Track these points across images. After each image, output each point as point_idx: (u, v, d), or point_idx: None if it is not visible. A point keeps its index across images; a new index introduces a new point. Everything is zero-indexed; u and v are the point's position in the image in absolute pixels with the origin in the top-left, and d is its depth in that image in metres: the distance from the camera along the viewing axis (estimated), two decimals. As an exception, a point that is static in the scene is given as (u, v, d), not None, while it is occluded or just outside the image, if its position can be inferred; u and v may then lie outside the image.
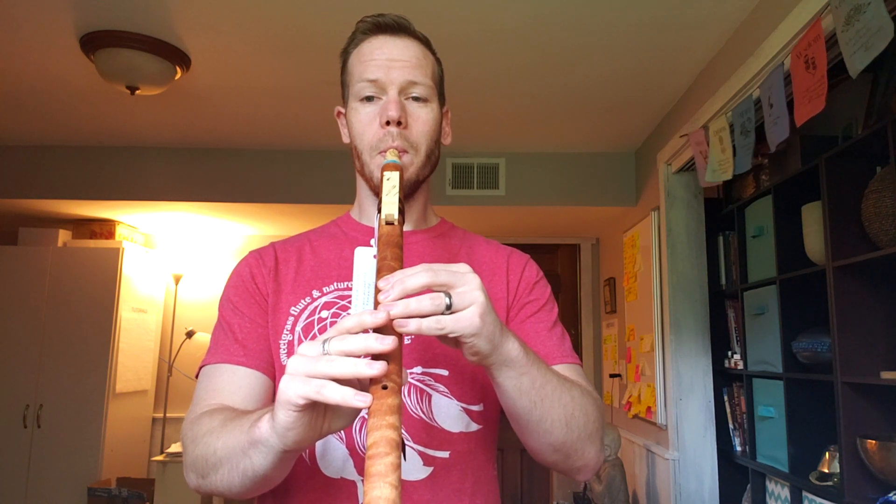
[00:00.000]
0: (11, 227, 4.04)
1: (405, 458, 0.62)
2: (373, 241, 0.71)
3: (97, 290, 3.72)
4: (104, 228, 3.98)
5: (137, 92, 2.42)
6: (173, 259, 4.24)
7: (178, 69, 2.43)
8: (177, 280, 4.17)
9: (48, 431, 3.59)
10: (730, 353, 2.72)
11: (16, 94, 2.81)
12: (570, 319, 4.35)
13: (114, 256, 3.78)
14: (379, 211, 0.72)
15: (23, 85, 2.70)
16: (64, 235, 3.91)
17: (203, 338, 4.06)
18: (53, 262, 3.76)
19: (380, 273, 0.65)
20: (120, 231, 4.01)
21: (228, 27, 2.20)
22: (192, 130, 3.25)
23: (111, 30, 2.21)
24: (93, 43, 2.25)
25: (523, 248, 1.04)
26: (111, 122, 3.15)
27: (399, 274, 0.63)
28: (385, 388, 0.57)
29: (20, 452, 3.57)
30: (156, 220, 3.98)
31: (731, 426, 2.74)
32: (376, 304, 0.62)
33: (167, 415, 4.06)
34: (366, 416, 0.79)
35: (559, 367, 0.88)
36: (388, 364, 0.58)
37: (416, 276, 0.62)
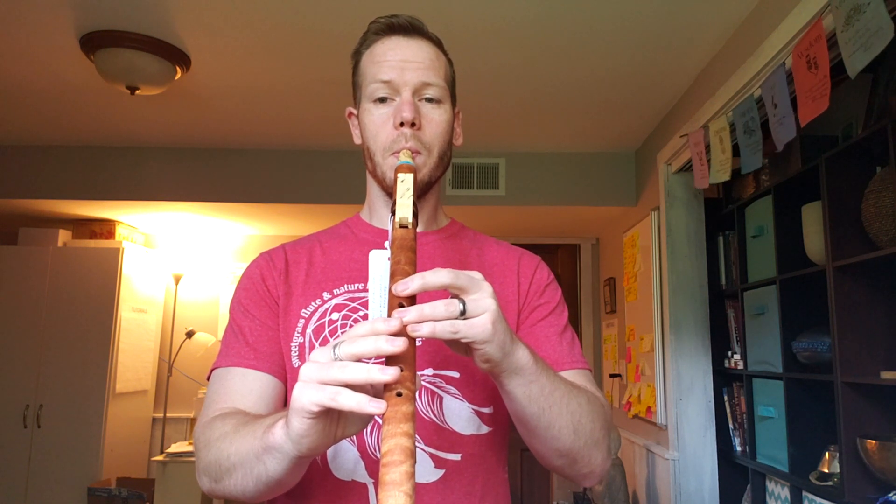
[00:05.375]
0: (11, 227, 4.04)
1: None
2: (387, 244, 0.71)
3: (97, 290, 3.72)
4: (104, 228, 3.98)
5: (137, 92, 2.42)
6: (173, 259, 4.24)
7: (178, 69, 2.43)
8: (177, 280, 4.16)
9: (48, 431, 3.59)
10: (730, 353, 2.72)
11: (16, 94, 2.80)
12: (570, 319, 4.31)
13: (114, 256, 3.78)
14: (393, 213, 0.71)
15: (23, 85, 2.69)
16: (64, 235, 3.91)
17: (203, 338, 4.05)
18: (53, 262, 3.75)
19: (394, 278, 0.64)
20: (120, 231, 4.01)
21: (228, 27, 2.20)
22: (192, 130, 3.25)
23: (111, 30, 2.21)
24: (93, 43, 2.25)
25: (524, 248, 1.03)
26: (111, 122, 3.14)
27: (419, 276, 0.63)
28: (399, 395, 0.57)
29: (20, 452, 3.57)
30: (156, 220, 3.98)
31: (731, 426, 2.75)
32: (391, 306, 0.62)
33: (167, 415, 4.06)
34: (379, 422, 0.78)
35: (568, 373, 0.88)
36: (402, 371, 0.58)
37: (438, 273, 0.62)
